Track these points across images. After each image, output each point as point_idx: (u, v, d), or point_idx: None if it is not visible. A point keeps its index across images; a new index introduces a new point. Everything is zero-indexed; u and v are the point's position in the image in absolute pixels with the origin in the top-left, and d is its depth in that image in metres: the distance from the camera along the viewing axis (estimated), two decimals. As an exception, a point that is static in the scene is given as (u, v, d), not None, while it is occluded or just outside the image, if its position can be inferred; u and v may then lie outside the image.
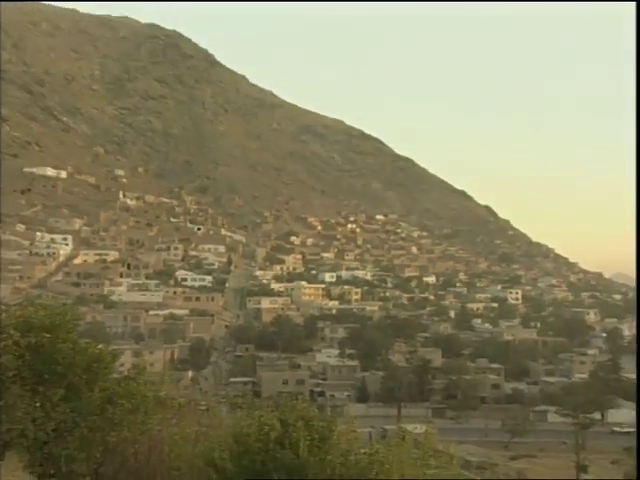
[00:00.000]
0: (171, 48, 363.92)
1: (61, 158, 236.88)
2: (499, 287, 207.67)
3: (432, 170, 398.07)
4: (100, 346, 13.35)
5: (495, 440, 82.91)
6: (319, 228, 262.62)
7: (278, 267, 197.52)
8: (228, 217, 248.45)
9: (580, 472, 67.94)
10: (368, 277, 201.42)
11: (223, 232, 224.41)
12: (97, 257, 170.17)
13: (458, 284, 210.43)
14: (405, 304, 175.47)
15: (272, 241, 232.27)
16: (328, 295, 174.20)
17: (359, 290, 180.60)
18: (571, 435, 78.76)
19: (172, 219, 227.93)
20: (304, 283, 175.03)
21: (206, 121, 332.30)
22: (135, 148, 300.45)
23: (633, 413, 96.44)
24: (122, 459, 11.38)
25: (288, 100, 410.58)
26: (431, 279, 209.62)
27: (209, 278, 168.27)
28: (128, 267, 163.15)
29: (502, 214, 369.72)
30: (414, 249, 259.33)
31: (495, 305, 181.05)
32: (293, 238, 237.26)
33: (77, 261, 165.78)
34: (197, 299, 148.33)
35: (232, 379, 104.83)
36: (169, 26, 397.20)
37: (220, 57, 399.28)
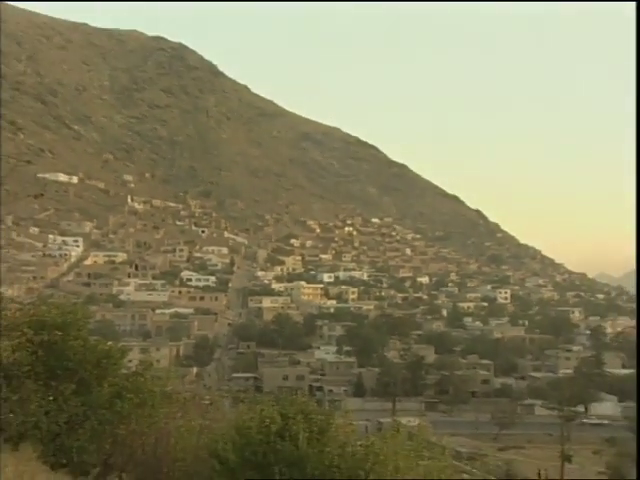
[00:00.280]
0: (176, 60, 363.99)
1: (72, 164, 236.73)
2: (489, 287, 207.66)
3: (425, 176, 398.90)
4: (109, 343, 13.35)
5: (485, 432, 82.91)
6: (318, 231, 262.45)
7: (278, 268, 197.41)
8: (231, 220, 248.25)
9: (565, 462, 68.05)
10: (364, 277, 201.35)
11: (226, 235, 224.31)
12: (106, 258, 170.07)
13: (450, 284, 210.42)
14: (400, 303, 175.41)
15: (273, 243, 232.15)
16: (326, 295, 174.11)
17: (356, 290, 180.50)
18: (556, 427, 78.87)
19: (177, 222, 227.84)
20: (303, 283, 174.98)
21: (210, 129, 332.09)
22: (142, 155, 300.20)
23: (615, 406, 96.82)
24: (130, 450, 11.39)
25: (288, 109, 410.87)
26: (424, 279, 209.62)
27: (213, 278, 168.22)
28: (136, 268, 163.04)
29: (492, 217, 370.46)
30: (408, 251, 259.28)
31: (485, 304, 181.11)
32: (293, 240, 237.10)
33: (87, 262, 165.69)
34: (201, 298, 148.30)
35: (235, 375, 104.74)
36: (175, 39, 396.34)
37: (223, 68, 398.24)
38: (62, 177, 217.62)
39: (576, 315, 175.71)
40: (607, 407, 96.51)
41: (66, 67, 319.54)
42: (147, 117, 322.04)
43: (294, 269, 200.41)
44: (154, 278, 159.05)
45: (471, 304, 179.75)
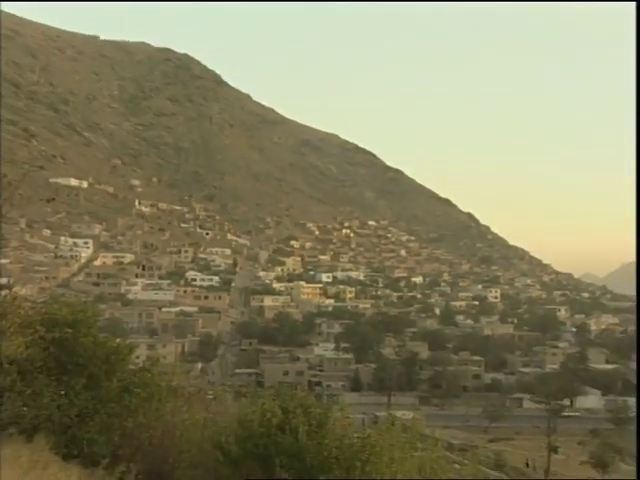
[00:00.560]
0: (182, 70, 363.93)
1: (83, 169, 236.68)
2: (480, 286, 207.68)
3: (419, 180, 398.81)
4: (118, 340, 13.32)
5: (476, 425, 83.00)
6: (317, 233, 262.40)
7: (279, 268, 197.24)
8: (233, 223, 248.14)
9: (551, 452, 68.21)
10: (361, 277, 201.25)
11: (229, 236, 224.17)
12: (115, 259, 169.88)
13: (443, 284, 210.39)
14: (395, 302, 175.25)
15: (274, 245, 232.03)
16: (325, 294, 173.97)
17: (353, 289, 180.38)
18: (543, 420, 79.07)
19: (183, 225, 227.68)
20: (303, 283, 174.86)
21: (213, 135, 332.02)
22: (149, 160, 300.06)
23: (599, 399, 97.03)
24: (138, 442, 11.39)
25: (288, 116, 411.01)
26: (418, 279, 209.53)
27: (216, 278, 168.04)
28: (143, 268, 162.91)
29: (482, 220, 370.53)
30: (403, 252, 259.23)
31: (476, 303, 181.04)
32: (293, 242, 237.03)
33: (97, 263, 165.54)
34: (205, 297, 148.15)
35: (237, 370, 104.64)
36: (180, 50, 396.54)
37: (227, 78, 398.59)
38: (73, 182, 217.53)
39: (562, 313, 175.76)
40: (591, 400, 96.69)
41: (77, 77, 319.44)
42: (154, 124, 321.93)
43: (294, 269, 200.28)
44: (160, 278, 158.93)
45: (463, 303, 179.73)
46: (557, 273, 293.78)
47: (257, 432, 10.28)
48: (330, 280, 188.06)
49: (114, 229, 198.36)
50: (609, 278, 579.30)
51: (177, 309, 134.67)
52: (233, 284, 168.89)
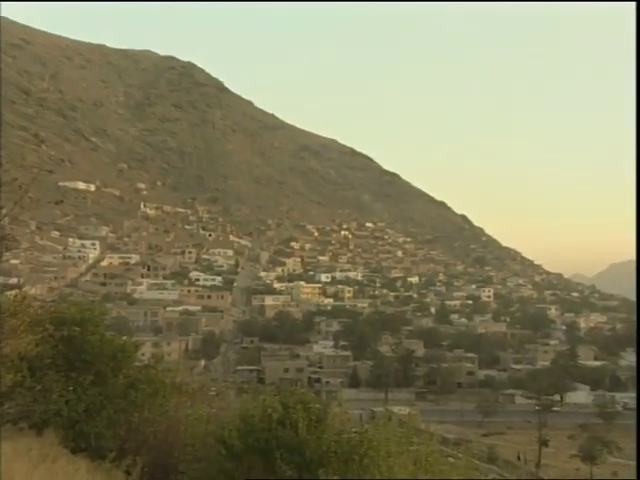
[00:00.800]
0: (186, 77, 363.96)
1: (90, 173, 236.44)
2: (473, 286, 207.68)
3: (415, 184, 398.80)
4: (124, 338, 13.35)
5: (469, 420, 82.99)
6: (316, 234, 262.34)
7: (280, 269, 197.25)
8: (236, 225, 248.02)
9: (542, 446, 68.32)
10: (359, 278, 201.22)
11: (231, 238, 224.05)
12: (121, 260, 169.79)
13: (438, 284, 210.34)
14: (391, 301, 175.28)
15: (274, 246, 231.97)
16: (324, 293, 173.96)
17: (351, 289, 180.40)
18: (535, 414, 79.10)
19: (186, 226, 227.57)
20: (303, 283, 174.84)
21: (216, 140, 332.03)
22: (154, 164, 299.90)
23: (588, 395, 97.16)
24: (143, 436, 11.40)
25: (288, 122, 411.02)
26: (414, 279, 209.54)
27: (219, 278, 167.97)
28: (148, 269, 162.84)
29: (476, 222, 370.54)
30: (399, 253, 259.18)
31: (470, 302, 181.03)
32: (293, 243, 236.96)
33: (104, 263, 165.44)
34: (208, 297, 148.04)
35: (239, 367, 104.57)
36: (185, 58, 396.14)
37: (229, 85, 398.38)
38: (81, 185, 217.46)
39: (553, 312, 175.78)
40: (580, 396, 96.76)
41: (85, 85, 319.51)
42: (159, 130, 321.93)
43: (294, 270, 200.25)
44: (165, 278, 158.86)
45: (457, 302, 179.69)
46: (548, 273, 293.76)
47: (258, 427, 10.29)
48: (329, 280, 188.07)
49: (120, 231, 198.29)
50: (597, 278, 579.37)
51: (181, 308, 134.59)
52: (235, 284, 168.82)
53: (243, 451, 10.20)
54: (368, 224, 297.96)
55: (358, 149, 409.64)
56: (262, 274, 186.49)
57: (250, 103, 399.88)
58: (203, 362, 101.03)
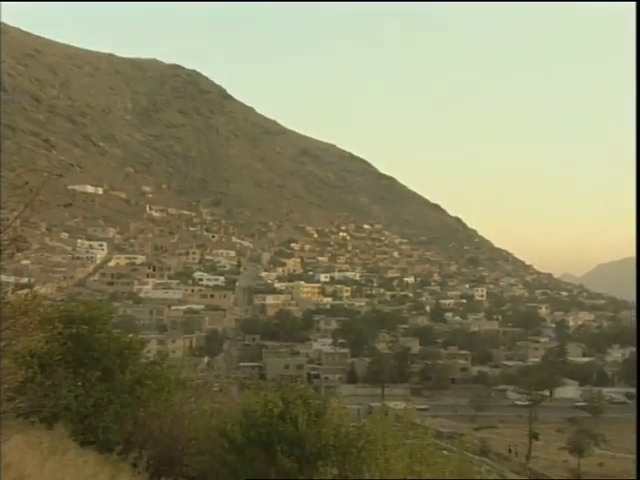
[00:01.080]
0: (190, 85, 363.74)
1: (98, 177, 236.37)
2: (467, 286, 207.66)
3: (411, 187, 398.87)
4: (130, 336, 13.37)
5: (463, 414, 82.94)
6: (315, 236, 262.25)
7: (280, 269, 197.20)
8: (238, 227, 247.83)
9: (532, 439, 68.32)
10: (357, 277, 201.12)
11: (233, 239, 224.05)
12: (128, 260, 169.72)
13: (433, 283, 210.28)
14: (388, 300, 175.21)
15: (275, 247, 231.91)
16: (323, 293, 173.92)
17: (349, 289, 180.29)
18: (525, 409, 79.07)
19: (190, 228, 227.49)
20: (302, 283, 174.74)
21: (219, 146, 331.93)
22: (159, 168, 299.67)
23: (576, 390, 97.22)
24: (149, 431, 11.41)
25: (289, 127, 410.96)
26: (410, 279, 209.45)
27: (222, 278, 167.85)
28: (153, 269, 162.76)
29: (470, 224, 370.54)
30: (396, 254, 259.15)
31: (464, 301, 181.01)
32: (293, 244, 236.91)
33: (111, 264, 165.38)
34: (212, 296, 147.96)
35: (241, 364, 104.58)
36: (189, 66, 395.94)
37: (232, 92, 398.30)
38: (89, 188, 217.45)
39: (543, 310, 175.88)
40: (569, 391, 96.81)
41: (94, 92, 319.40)
42: (164, 135, 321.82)
43: (294, 270, 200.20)
44: (170, 278, 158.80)
45: (451, 301, 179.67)
46: (538, 273, 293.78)
47: (260, 421, 10.30)
48: (328, 280, 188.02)
49: (127, 232, 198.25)
50: (586, 278, 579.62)
51: (185, 307, 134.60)
52: (237, 284, 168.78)
53: (245, 444, 10.22)
54: (366, 226, 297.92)
55: (356, 154, 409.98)
56: (263, 274, 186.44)
57: (252, 109, 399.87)
58: (206, 359, 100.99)
